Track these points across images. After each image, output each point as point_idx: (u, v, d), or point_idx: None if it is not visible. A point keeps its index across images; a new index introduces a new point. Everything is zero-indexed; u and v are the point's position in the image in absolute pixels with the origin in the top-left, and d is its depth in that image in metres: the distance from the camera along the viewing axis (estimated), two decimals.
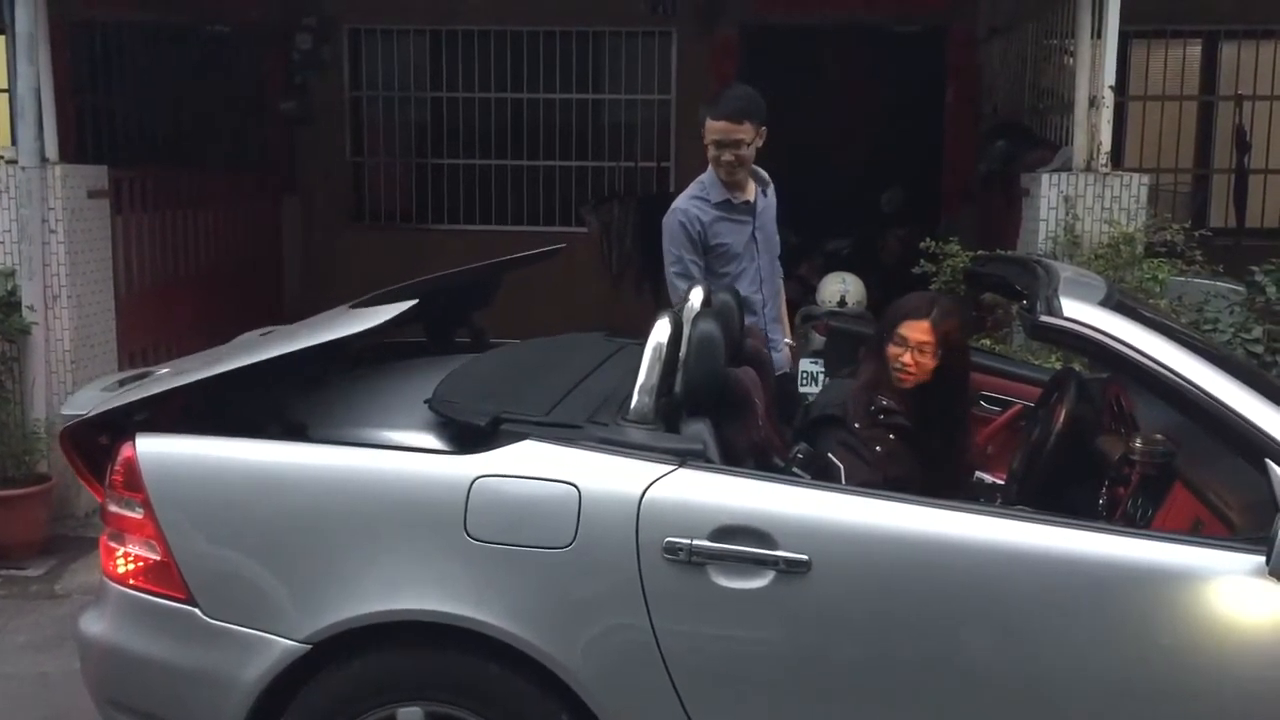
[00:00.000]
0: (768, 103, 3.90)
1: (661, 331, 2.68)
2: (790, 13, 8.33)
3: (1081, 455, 3.08)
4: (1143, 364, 2.48)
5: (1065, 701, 2.36)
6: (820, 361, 4.82)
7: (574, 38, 8.73)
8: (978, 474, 3.52)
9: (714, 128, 3.86)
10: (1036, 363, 4.36)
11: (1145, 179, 5.29)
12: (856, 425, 3.17)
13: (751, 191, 4.03)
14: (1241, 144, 8.19)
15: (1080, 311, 2.55)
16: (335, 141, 8.94)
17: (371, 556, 2.50)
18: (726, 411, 2.90)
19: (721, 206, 3.95)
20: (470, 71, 8.86)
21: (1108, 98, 5.22)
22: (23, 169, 5.11)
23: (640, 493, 2.41)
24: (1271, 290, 4.82)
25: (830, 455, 3.09)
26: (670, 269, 3.95)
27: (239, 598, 2.57)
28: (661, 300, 4.05)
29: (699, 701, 2.44)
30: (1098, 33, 5.22)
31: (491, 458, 2.50)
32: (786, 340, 4.30)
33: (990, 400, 3.74)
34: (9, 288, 5.19)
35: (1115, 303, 2.69)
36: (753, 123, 3.85)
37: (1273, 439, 2.33)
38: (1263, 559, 2.25)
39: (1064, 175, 5.23)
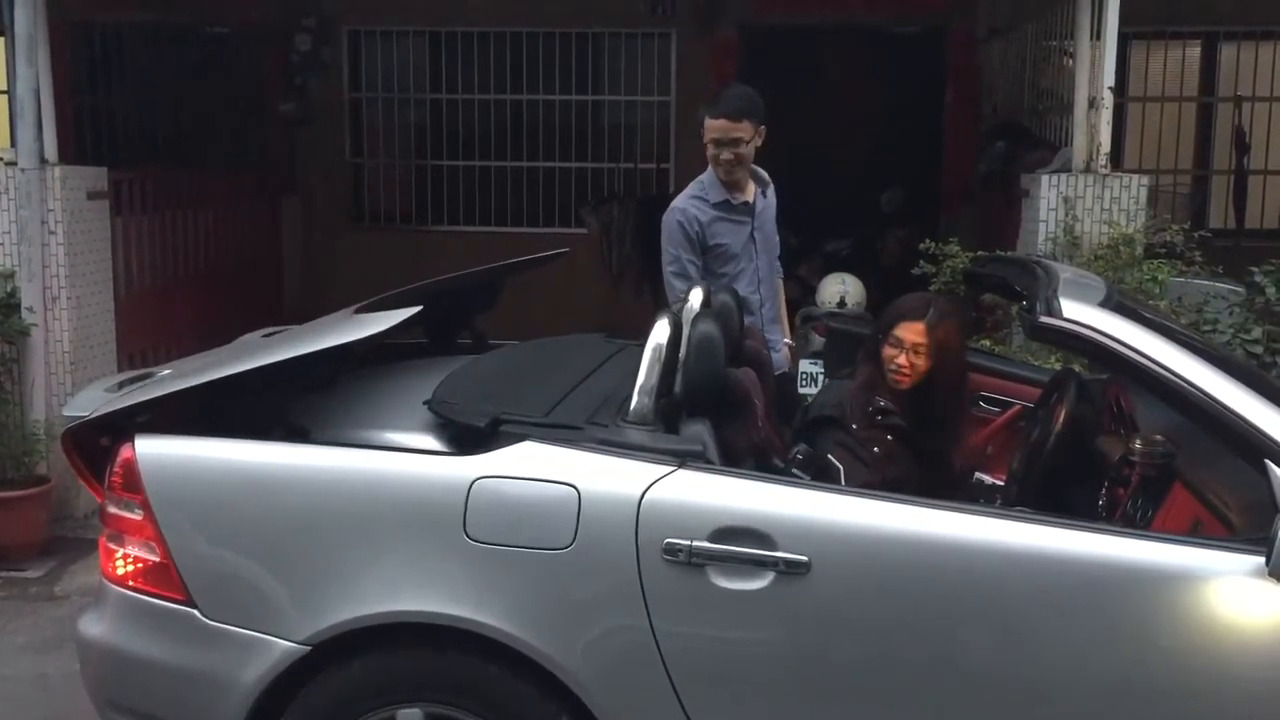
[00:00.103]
0: (767, 103, 3.91)
1: (661, 332, 2.68)
2: (790, 13, 8.33)
3: (1081, 456, 3.08)
4: (1142, 365, 2.48)
5: (1065, 702, 2.36)
6: (820, 362, 4.82)
7: (573, 39, 8.74)
8: (977, 475, 3.52)
9: (713, 126, 3.87)
10: (1036, 363, 4.36)
11: (1145, 180, 5.30)
12: (854, 426, 3.17)
13: (751, 192, 4.03)
14: (1241, 145, 8.19)
15: (1080, 312, 2.55)
16: (335, 142, 8.95)
17: (371, 558, 2.50)
18: (726, 412, 2.90)
19: (720, 207, 3.95)
20: (470, 73, 8.87)
21: (1107, 99, 5.22)
22: (22, 170, 5.11)
23: (640, 494, 2.41)
24: (1271, 291, 4.82)
25: (829, 456, 3.09)
26: (668, 268, 3.95)
27: (238, 599, 2.56)
28: (661, 301, 4.05)
29: (698, 702, 2.44)
30: (1097, 34, 5.23)
31: (491, 459, 2.50)
32: (786, 340, 4.30)
33: (990, 401, 3.74)
34: (8, 289, 5.19)
35: (1115, 304, 2.69)
36: (751, 121, 3.85)
37: (1272, 439, 2.33)
38: (1262, 559, 2.25)
39: (1064, 176, 5.23)
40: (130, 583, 2.65)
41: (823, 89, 9.80)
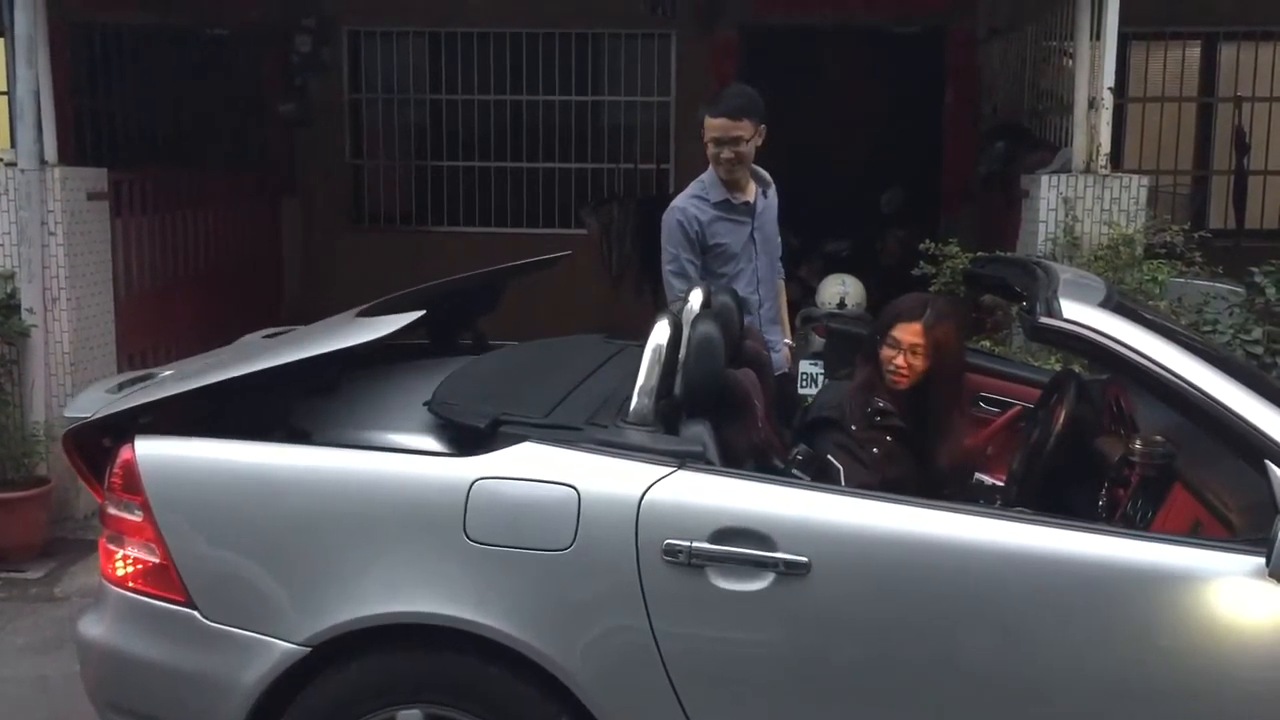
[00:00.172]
0: (767, 104, 3.91)
1: (661, 333, 2.68)
2: (790, 13, 8.33)
3: (1081, 456, 3.08)
4: (1142, 365, 2.48)
5: (1065, 702, 2.36)
6: (820, 363, 4.82)
7: (573, 39, 8.74)
8: (977, 475, 3.52)
9: (713, 125, 3.87)
10: (1036, 364, 4.36)
11: (1145, 180, 5.30)
12: (853, 427, 3.17)
13: (752, 192, 4.03)
14: (1241, 145, 8.19)
15: (1080, 313, 2.55)
16: (335, 143, 8.95)
17: (371, 559, 2.50)
18: (726, 413, 2.90)
19: (721, 206, 3.96)
20: (469, 73, 8.87)
21: (1107, 99, 5.22)
22: (22, 171, 5.11)
23: (640, 495, 2.41)
24: (1271, 291, 4.82)
25: (829, 457, 3.09)
26: (667, 267, 3.96)
27: (238, 600, 2.56)
28: (661, 301, 4.06)
29: (698, 703, 2.44)
30: (1097, 34, 5.23)
31: (491, 460, 2.50)
32: (787, 342, 4.30)
33: (990, 401, 3.74)
34: (8, 290, 5.19)
35: (1115, 304, 2.69)
36: (752, 120, 3.86)
37: (1272, 440, 2.33)
38: (1262, 560, 2.25)
39: (1063, 177, 5.23)
40: (130, 584, 2.65)
41: (823, 89, 9.81)
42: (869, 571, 2.39)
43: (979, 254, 4.99)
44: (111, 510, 2.67)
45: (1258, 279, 4.90)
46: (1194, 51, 8.34)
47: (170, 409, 2.77)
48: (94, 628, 2.74)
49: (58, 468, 5.20)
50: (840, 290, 6.13)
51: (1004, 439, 3.62)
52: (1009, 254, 5.30)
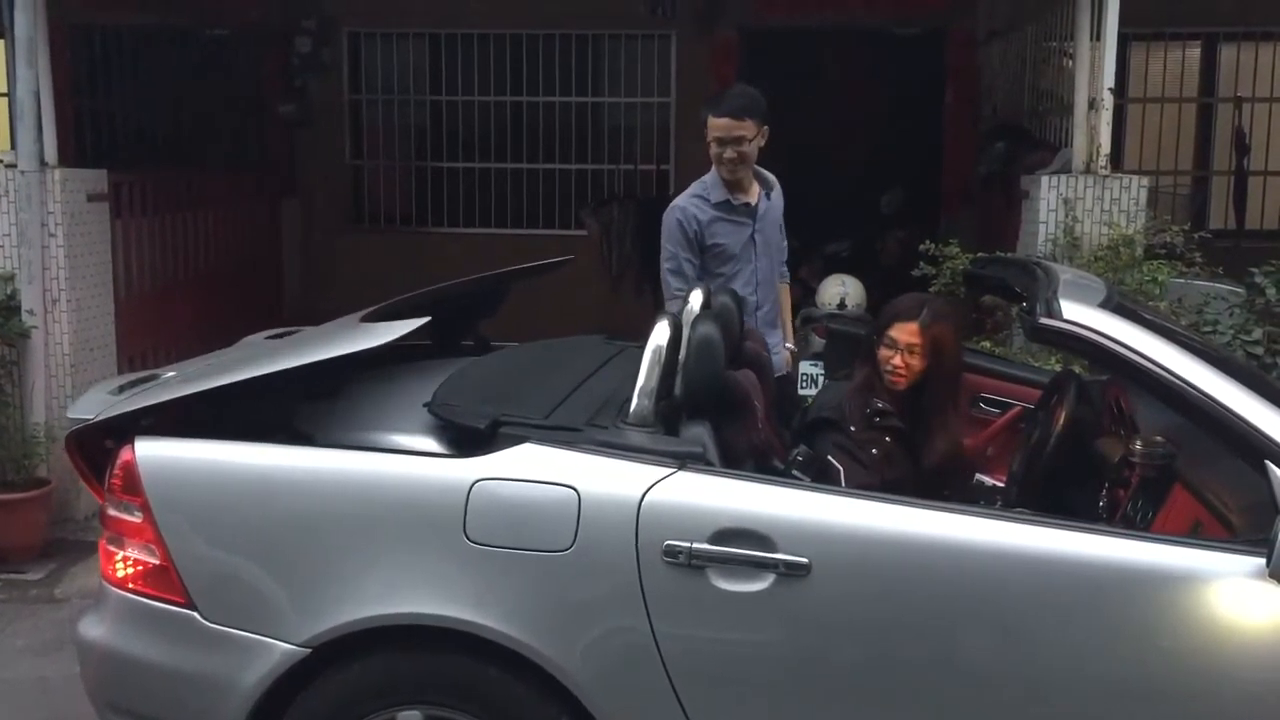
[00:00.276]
0: (768, 104, 3.91)
1: (661, 334, 2.68)
2: (790, 14, 8.33)
3: (1081, 457, 3.08)
4: (1142, 366, 2.48)
5: (1065, 703, 2.36)
6: (820, 364, 4.82)
7: (573, 40, 8.74)
8: (978, 476, 3.52)
9: (716, 125, 3.87)
10: (1036, 365, 4.36)
11: (1145, 181, 5.29)
12: (853, 428, 3.17)
13: (754, 193, 4.03)
14: (1241, 146, 8.19)
15: (1080, 314, 2.55)
16: (335, 144, 8.95)
17: (371, 560, 2.50)
18: (726, 414, 2.90)
19: (721, 207, 3.96)
20: (470, 74, 8.87)
21: (1107, 100, 5.22)
22: (22, 173, 5.10)
23: (640, 496, 2.41)
24: (1271, 292, 4.82)
25: (829, 458, 3.09)
26: (665, 265, 3.98)
27: (238, 601, 2.56)
28: (661, 302, 4.07)
29: (699, 704, 2.44)
30: (1097, 35, 5.23)
31: (491, 461, 2.50)
32: (788, 345, 4.28)
33: (990, 402, 3.74)
34: (8, 291, 5.18)
35: (1115, 305, 2.69)
36: (754, 120, 3.86)
37: (1272, 441, 2.33)
38: (1263, 561, 2.25)
39: (1063, 177, 5.23)
40: (130, 585, 2.65)
41: (823, 90, 9.81)
42: (869, 572, 2.39)
43: (979, 254, 4.99)
44: (112, 511, 2.67)
45: (1258, 279, 4.90)
46: (1194, 52, 8.34)
47: (172, 410, 2.77)
48: (94, 629, 2.74)
49: (58, 469, 5.20)
50: (840, 291, 6.13)
51: (1004, 440, 3.62)
52: (1009, 254, 5.30)
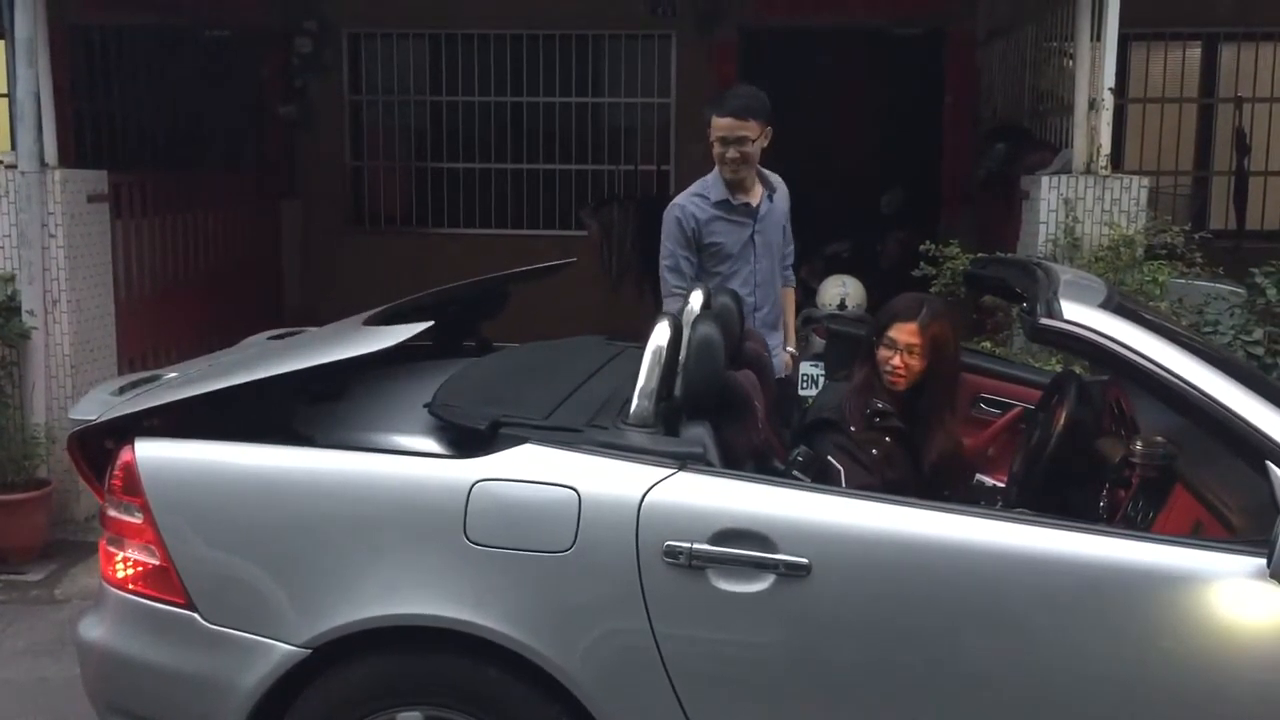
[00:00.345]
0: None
1: (661, 335, 2.68)
2: (790, 15, 8.34)
3: (1082, 458, 3.08)
4: (1143, 366, 2.48)
5: (1066, 704, 2.35)
6: (820, 364, 4.82)
7: (573, 41, 8.74)
8: (978, 477, 3.52)
9: (720, 125, 3.88)
10: (1037, 365, 4.36)
11: (1145, 181, 5.29)
12: (852, 429, 3.17)
13: (756, 194, 4.04)
14: (1241, 146, 8.19)
15: (1080, 314, 2.55)
16: (335, 145, 8.96)
17: (371, 561, 2.50)
18: (726, 414, 2.90)
19: (720, 206, 3.98)
20: (470, 75, 8.87)
21: (1107, 100, 5.22)
22: (22, 174, 5.10)
23: (640, 496, 2.41)
24: (1272, 292, 4.82)
25: (829, 458, 3.09)
26: (663, 262, 4.01)
27: (238, 602, 2.56)
28: (661, 302, 4.08)
29: (699, 705, 2.44)
30: (1097, 35, 5.23)
31: (491, 461, 2.50)
32: (789, 349, 4.27)
33: (990, 403, 3.74)
34: (9, 292, 5.18)
35: (1115, 305, 2.69)
36: (758, 121, 3.87)
37: (1273, 441, 2.33)
38: (1263, 561, 2.24)
39: (1064, 178, 5.23)
40: (130, 586, 2.65)
41: (823, 91, 9.81)
42: (869, 573, 2.39)
43: (979, 255, 4.99)
44: (112, 512, 2.67)
45: (1258, 280, 4.90)
46: (1194, 52, 8.35)
47: (175, 412, 2.76)
48: (94, 630, 2.73)
49: (58, 470, 5.20)
50: (840, 291, 6.13)
51: (1005, 440, 3.62)
52: (1009, 255, 5.30)
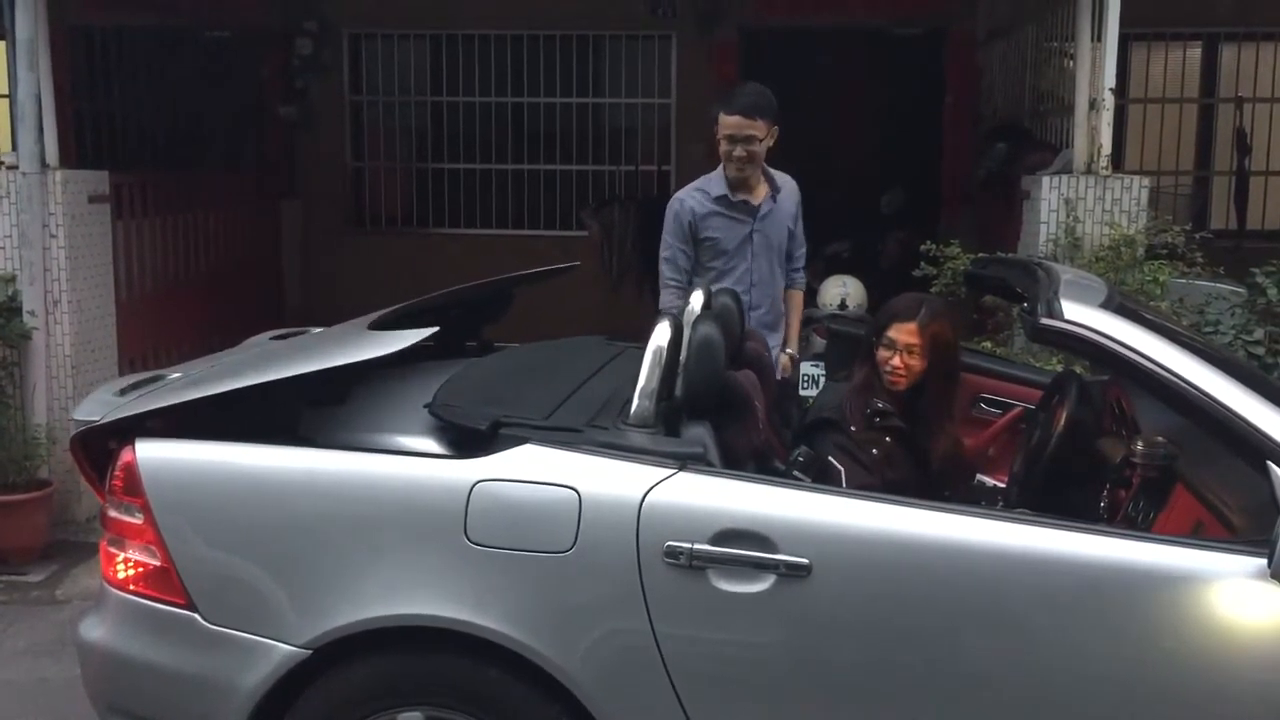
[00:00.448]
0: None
1: (662, 335, 2.68)
2: (790, 15, 8.34)
3: (1082, 458, 3.07)
4: (1144, 366, 2.48)
5: (1066, 704, 2.35)
6: (821, 364, 4.82)
7: (574, 41, 8.74)
8: (979, 477, 3.52)
9: (728, 123, 3.89)
10: (1037, 365, 4.36)
11: (1146, 181, 5.29)
12: (853, 429, 3.17)
13: (759, 194, 4.04)
14: (1242, 146, 8.19)
15: (1081, 314, 2.55)
16: (335, 146, 8.96)
17: (372, 561, 2.50)
18: (727, 415, 2.90)
19: (719, 202, 4.00)
20: (470, 75, 8.88)
21: (1108, 100, 5.22)
22: (23, 174, 5.11)
23: (641, 497, 2.41)
24: (1273, 292, 4.82)
25: (830, 459, 3.09)
26: (661, 253, 4.07)
27: (239, 603, 2.56)
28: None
29: (700, 705, 2.44)
30: (1098, 35, 5.23)
31: (492, 462, 2.50)
32: (789, 350, 4.27)
33: (991, 403, 3.74)
34: (9, 293, 5.18)
35: (1116, 305, 2.69)
36: (766, 120, 3.88)
37: (1274, 441, 2.33)
38: (1264, 561, 2.24)
39: (1064, 178, 5.22)
40: (131, 587, 2.65)
41: (823, 91, 9.81)
42: (870, 573, 2.39)
43: (979, 255, 4.99)
44: (112, 513, 2.67)
45: (1259, 280, 4.90)
46: (1195, 52, 8.34)
47: (181, 413, 2.76)
48: (95, 630, 2.73)
49: (59, 470, 5.20)
50: (841, 291, 6.14)
51: (1005, 440, 3.62)
52: (1010, 255, 5.30)
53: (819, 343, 4.93)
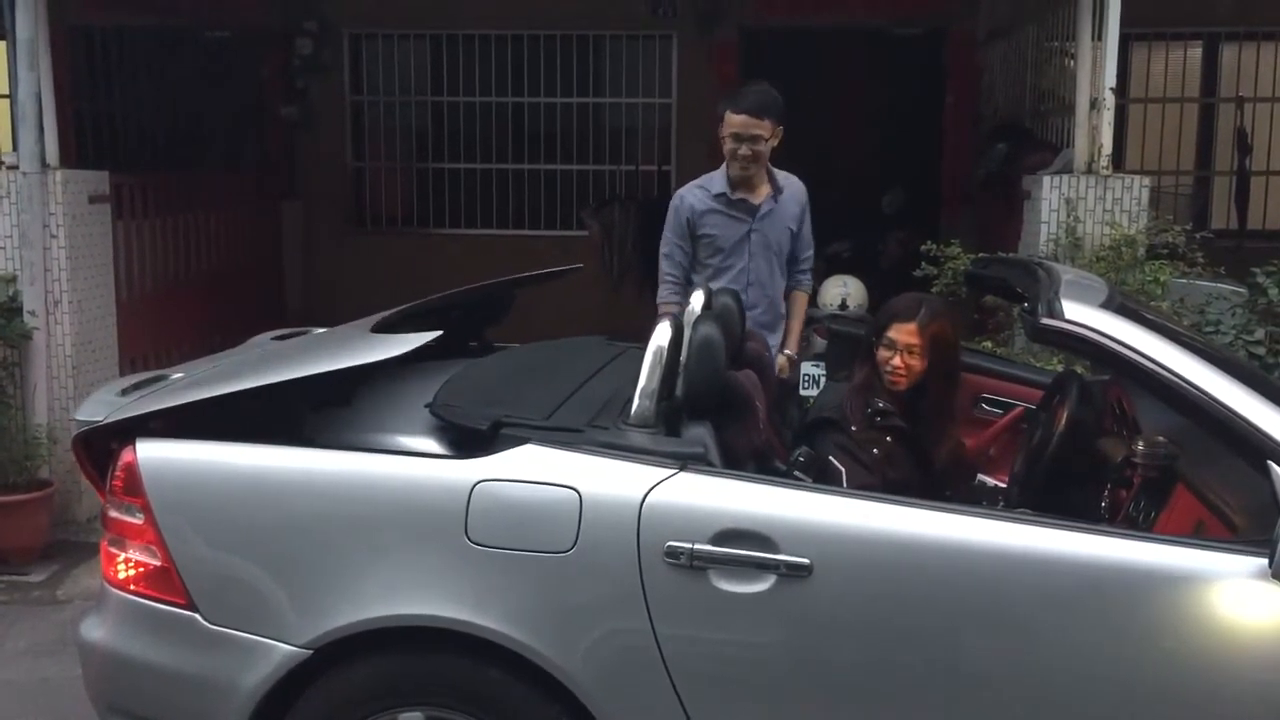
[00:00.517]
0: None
1: (662, 335, 2.68)
2: (790, 14, 8.34)
3: (1083, 458, 3.07)
4: (1144, 366, 2.47)
5: (1067, 704, 2.35)
6: (821, 364, 4.82)
7: (574, 41, 8.74)
8: (980, 477, 3.51)
9: (734, 121, 3.89)
10: (1038, 365, 4.36)
11: (1146, 181, 5.29)
12: (853, 428, 3.17)
13: (760, 193, 4.05)
14: (1242, 146, 8.19)
15: (1082, 314, 2.55)
16: (335, 146, 8.96)
17: (372, 561, 2.50)
18: (727, 415, 2.90)
19: (718, 199, 4.02)
20: (471, 75, 8.88)
21: (1109, 100, 5.22)
22: (24, 174, 5.11)
23: (641, 497, 2.41)
24: (1273, 292, 4.81)
25: (831, 458, 3.08)
26: (661, 248, 4.12)
27: (239, 603, 2.56)
28: None
29: (700, 705, 2.44)
30: (1098, 35, 5.22)
31: (492, 462, 2.50)
32: (787, 352, 4.26)
33: (992, 403, 3.74)
34: (10, 293, 5.18)
35: (1117, 305, 2.69)
36: (772, 120, 3.89)
37: (1275, 440, 2.33)
38: (1265, 561, 2.24)
39: (1065, 177, 5.22)
40: (132, 587, 2.65)
41: (823, 91, 9.80)
42: (871, 573, 2.39)
43: (980, 255, 4.98)
44: (113, 513, 2.67)
45: (1260, 279, 4.89)
46: (1195, 52, 8.34)
47: (185, 414, 2.76)
48: (96, 631, 2.74)
49: (60, 471, 5.21)
50: (842, 291, 6.14)
51: (1006, 440, 3.61)
52: (1010, 255, 5.29)
53: (819, 343, 4.92)
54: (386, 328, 3.15)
